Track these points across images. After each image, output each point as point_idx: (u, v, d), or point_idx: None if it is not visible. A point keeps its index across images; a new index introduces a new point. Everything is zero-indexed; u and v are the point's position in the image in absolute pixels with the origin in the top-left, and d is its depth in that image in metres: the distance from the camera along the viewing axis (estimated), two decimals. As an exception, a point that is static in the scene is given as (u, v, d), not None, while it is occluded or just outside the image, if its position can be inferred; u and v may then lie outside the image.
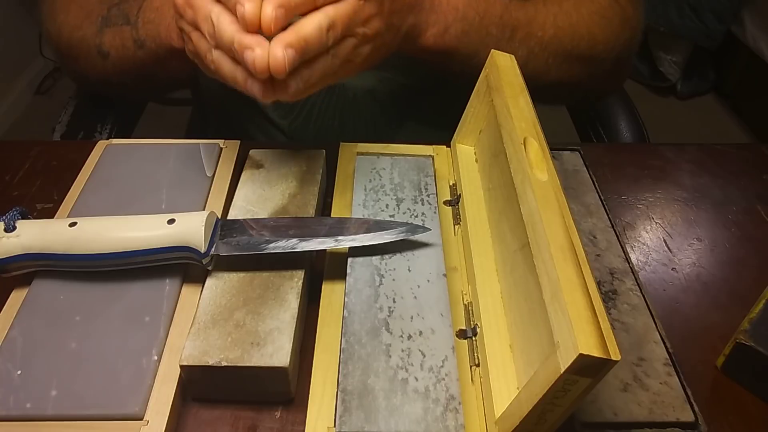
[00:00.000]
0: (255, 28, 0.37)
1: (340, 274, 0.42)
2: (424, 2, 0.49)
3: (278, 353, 0.36)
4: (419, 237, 0.44)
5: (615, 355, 0.26)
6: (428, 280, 0.42)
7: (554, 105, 0.64)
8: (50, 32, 0.62)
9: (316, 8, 0.38)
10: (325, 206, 0.51)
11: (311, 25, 0.38)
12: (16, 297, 0.41)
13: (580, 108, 0.78)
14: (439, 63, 0.54)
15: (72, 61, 0.62)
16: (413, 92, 0.66)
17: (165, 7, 0.52)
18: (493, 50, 0.48)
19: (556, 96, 0.62)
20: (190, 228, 0.39)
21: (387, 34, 0.45)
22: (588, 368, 0.27)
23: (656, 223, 0.53)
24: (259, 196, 0.47)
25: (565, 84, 0.58)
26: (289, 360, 0.36)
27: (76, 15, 0.59)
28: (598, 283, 0.44)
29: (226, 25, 0.38)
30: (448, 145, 0.54)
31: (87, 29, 0.58)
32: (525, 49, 0.54)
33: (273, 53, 0.36)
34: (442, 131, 0.66)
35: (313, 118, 0.66)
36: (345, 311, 0.40)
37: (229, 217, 0.46)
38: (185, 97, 0.87)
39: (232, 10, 0.37)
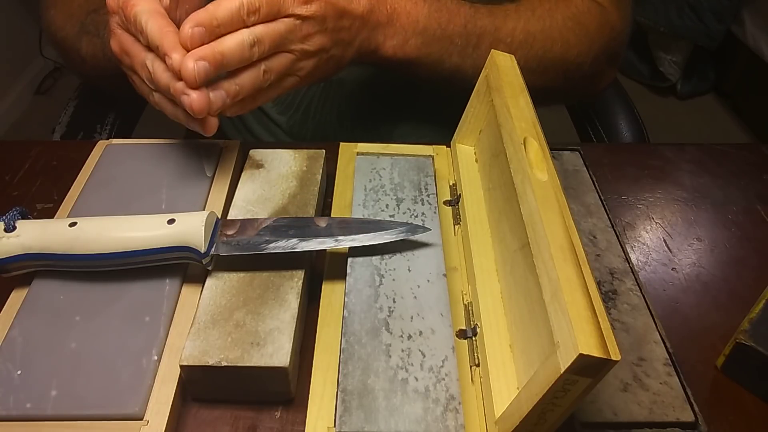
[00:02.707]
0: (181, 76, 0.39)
1: (340, 274, 0.42)
2: (378, 16, 0.48)
3: (278, 353, 0.36)
4: (419, 237, 0.44)
5: (615, 355, 0.26)
6: (428, 280, 0.42)
7: (541, 104, 0.65)
8: (44, 26, 0.63)
9: (246, 27, 0.40)
10: (325, 206, 0.51)
11: (232, 40, 0.39)
12: (16, 297, 0.41)
13: (579, 107, 0.78)
14: (404, 71, 0.54)
15: (62, 57, 0.63)
16: (411, 86, 0.66)
17: None
18: (493, 50, 0.48)
19: (540, 98, 0.61)
20: (190, 228, 0.39)
21: (335, 49, 0.46)
22: (588, 368, 0.27)
23: (656, 223, 0.53)
24: (259, 196, 0.47)
25: (539, 88, 0.58)
26: (289, 360, 0.36)
27: (61, 14, 0.60)
28: (598, 283, 0.44)
29: (160, 72, 0.40)
30: (448, 145, 0.54)
31: (69, 31, 0.59)
32: None
33: (184, 64, 0.38)
34: (441, 125, 0.66)
35: (311, 114, 0.66)
36: (345, 311, 0.40)
37: (229, 217, 0.46)
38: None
39: (163, 59, 0.39)
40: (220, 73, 0.40)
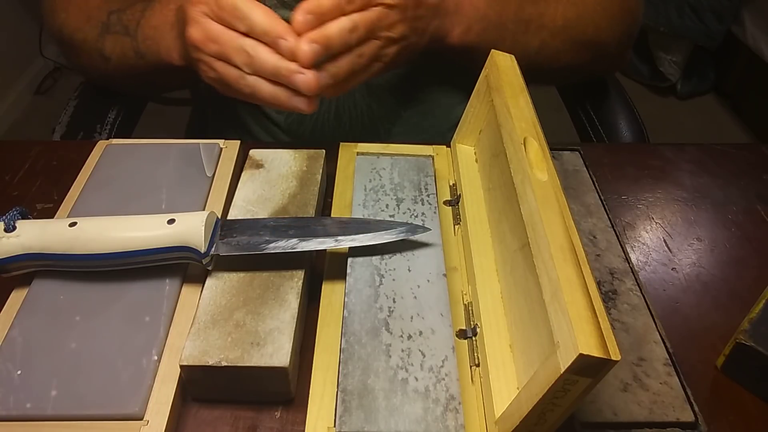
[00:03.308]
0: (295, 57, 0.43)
1: (340, 274, 0.42)
2: (448, 5, 0.53)
3: (278, 353, 0.36)
4: (419, 237, 0.44)
5: (615, 355, 0.26)
6: (428, 280, 0.42)
7: (562, 84, 0.73)
8: (52, 29, 0.63)
9: (344, 15, 0.44)
10: (325, 206, 0.51)
11: (335, 26, 0.44)
12: (16, 297, 0.41)
13: (579, 107, 0.78)
14: (464, 58, 0.58)
15: (74, 58, 0.63)
16: (407, 83, 0.66)
17: (163, 27, 0.55)
18: (492, 50, 0.48)
19: (565, 77, 0.70)
20: (190, 228, 0.39)
21: (412, 37, 0.50)
22: (588, 368, 0.27)
23: (656, 223, 0.53)
24: (259, 196, 0.47)
25: (573, 67, 0.65)
26: (289, 360, 0.36)
27: (76, 16, 0.60)
28: (598, 283, 0.44)
29: (266, 55, 0.44)
30: (448, 145, 0.54)
31: (88, 32, 0.60)
32: (538, 40, 0.59)
33: (300, 46, 0.43)
34: (439, 124, 0.67)
35: None
36: (345, 311, 0.40)
37: (229, 217, 0.46)
38: (185, 97, 0.87)
39: (269, 44, 0.44)
40: (326, 55, 0.44)
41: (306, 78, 0.44)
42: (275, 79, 0.45)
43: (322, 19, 0.44)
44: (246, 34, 0.44)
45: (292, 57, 0.43)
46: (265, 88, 0.45)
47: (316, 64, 0.44)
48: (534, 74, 0.64)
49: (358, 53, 0.46)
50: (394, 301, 0.40)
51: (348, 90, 0.49)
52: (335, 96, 0.49)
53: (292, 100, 0.46)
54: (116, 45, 0.58)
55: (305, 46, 0.43)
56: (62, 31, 0.61)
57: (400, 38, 0.49)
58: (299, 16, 0.43)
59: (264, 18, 0.43)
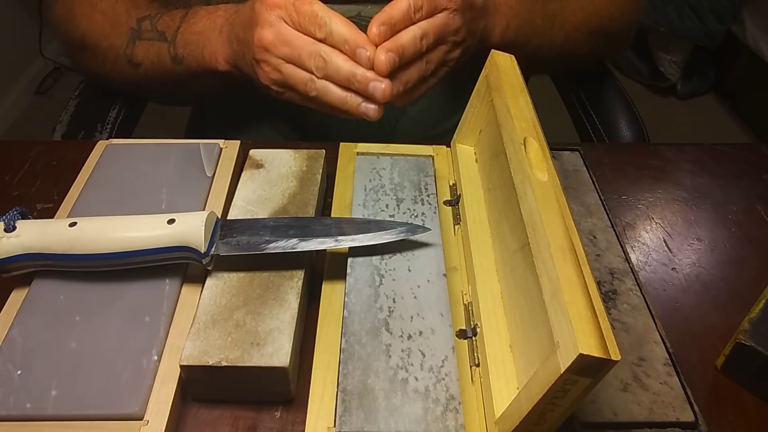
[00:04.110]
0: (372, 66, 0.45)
1: (340, 274, 0.42)
2: (489, 7, 0.56)
3: (278, 353, 0.36)
4: (419, 237, 0.44)
5: (615, 355, 0.26)
6: (428, 280, 0.42)
7: (580, 69, 0.78)
8: (72, 37, 0.63)
9: (413, 23, 0.46)
10: (325, 206, 0.51)
11: (407, 35, 0.46)
12: (16, 297, 0.41)
13: (579, 107, 0.78)
14: None
15: (97, 66, 0.63)
16: None
17: (209, 32, 0.56)
18: (492, 51, 0.48)
19: (583, 63, 0.75)
20: (190, 228, 0.39)
21: (469, 39, 0.52)
22: (588, 368, 0.27)
23: (656, 223, 0.53)
24: (259, 196, 0.47)
25: (589, 54, 0.70)
26: (289, 360, 0.36)
27: (102, 24, 0.60)
28: (598, 283, 0.44)
29: (342, 62, 0.45)
30: (448, 145, 0.54)
31: (115, 39, 0.60)
32: (563, 33, 0.64)
33: (377, 56, 0.45)
34: (443, 113, 0.68)
35: None
36: (345, 311, 0.40)
37: (229, 217, 0.46)
38: (185, 97, 0.87)
39: (347, 52, 0.45)
40: (399, 64, 0.46)
41: (382, 86, 0.45)
42: (348, 85, 0.46)
43: (394, 29, 0.45)
44: (320, 41, 0.46)
45: (369, 66, 0.45)
46: (335, 92, 0.47)
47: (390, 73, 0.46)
48: (557, 64, 0.70)
49: (426, 60, 0.48)
50: (394, 301, 0.40)
51: (417, 97, 0.50)
52: (406, 105, 0.50)
53: (362, 106, 0.47)
54: (149, 51, 0.58)
55: (383, 56, 0.44)
56: (85, 38, 0.61)
57: (461, 41, 0.50)
58: (375, 28, 0.45)
59: (344, 27, 0.45)
